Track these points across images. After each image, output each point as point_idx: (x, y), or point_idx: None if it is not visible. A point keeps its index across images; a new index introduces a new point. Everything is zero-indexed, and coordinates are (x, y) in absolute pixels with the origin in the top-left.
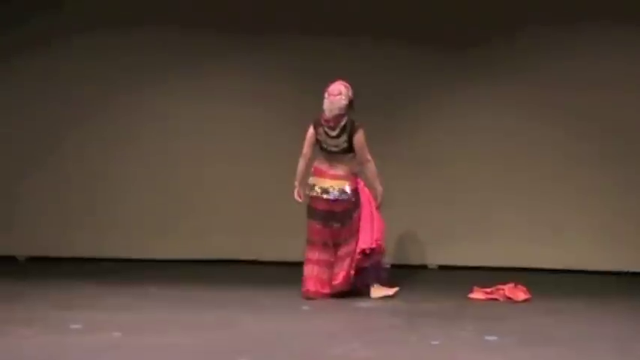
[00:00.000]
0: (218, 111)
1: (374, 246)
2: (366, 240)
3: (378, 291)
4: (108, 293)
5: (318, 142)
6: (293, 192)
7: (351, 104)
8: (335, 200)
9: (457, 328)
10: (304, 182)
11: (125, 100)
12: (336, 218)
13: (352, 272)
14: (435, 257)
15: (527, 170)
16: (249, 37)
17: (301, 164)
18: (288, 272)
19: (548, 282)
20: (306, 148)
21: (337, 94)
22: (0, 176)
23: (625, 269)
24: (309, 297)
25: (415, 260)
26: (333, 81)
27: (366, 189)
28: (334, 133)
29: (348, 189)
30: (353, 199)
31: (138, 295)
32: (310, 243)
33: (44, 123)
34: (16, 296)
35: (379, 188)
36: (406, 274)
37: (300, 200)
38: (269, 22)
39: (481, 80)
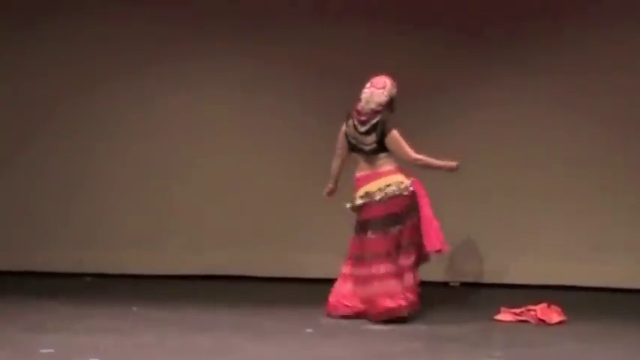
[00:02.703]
0: (214, 112)
1: (440, 246)
2: (433, 240)
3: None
4: (85, 313)
5: (347, 139)
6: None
7: (391, 103)
8: (390, 199)
9: (483, 354)
10: (336, 181)
11: (105, 95)
12: (396, 221)
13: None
14: (458, 273)
15: (563, 176)
16: (249, 23)
17: (334, 164)
18: (290, 290)
19: (585, 302)
20: (338, 147)
21: (381, 87)
22: None
23: None
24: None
25: (435, 276)
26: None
27: (421, 186)
28: (363, 129)
29: (405, 181)
30: (409, 197)
31: (119, 315)
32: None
33: (10, 119)
34: None
35: (448, 165)
36: (425, 293)
37: (328, 195)
38: (273, 7)
39: (513, 73)
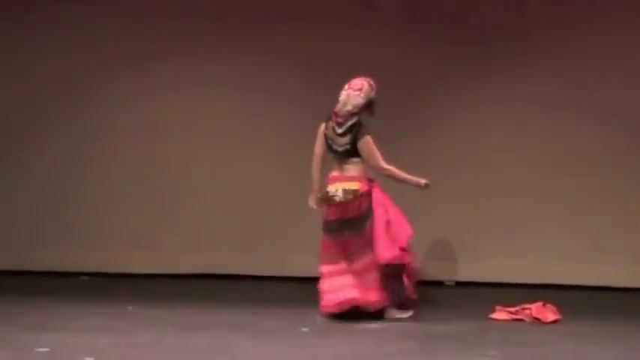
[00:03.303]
0: (211, 109)
1: (398, 255)
2: (383, 251)
3: (391, 312)
4: (82, 312)
5: (325, 140)
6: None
7: (369, 106)
8: (341, 204)
9: (477, 354)
10: (319, 185)
11: (101, 93)
12: (347, 226)
13: (382, 288)
14: (453, 272)
15: (560, 176)
16: (249, 21)
17: (314, 164)
18: (286, 289)
19: (580, 301)
20: (317, 147)
21: (357, 89)
22: None
23: None
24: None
25: (430, 276)
26: (355, 76)
27: (382, 194)
28: (340, 131)
29: (354, 190)
30: (365, 204)
31: (116, 314)
32: (322, 258)
33: (6, 118)
34: None
35: (417, 181)
36: (420, 292)
37: (314, 207)
38: (272, 5)
39: (512, 69)
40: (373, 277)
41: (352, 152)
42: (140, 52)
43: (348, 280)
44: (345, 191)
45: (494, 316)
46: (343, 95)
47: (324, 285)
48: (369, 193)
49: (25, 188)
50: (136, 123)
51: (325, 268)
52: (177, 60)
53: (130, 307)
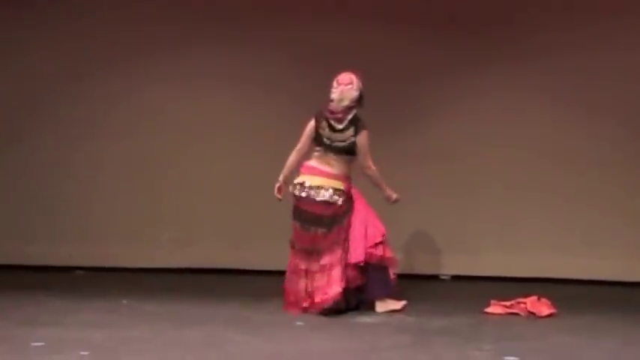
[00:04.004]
0: (204, 102)
1: (363, 258)
2: (358, 252)
3: (384, 305)
4: (77, 307)
5: (317, 137)
6: (276, 186)
7: (360, 98)
8: (326, 202)
9: (472, 348)
10: (290, 179)
11: (94, 88)
12: (322, 223)
13: (342, 287)
14: (448, 266)
15: (554, 170)
16: (239, 13)
17: (293, 158)
18: (281, 283)
19: (575, 295)
20: (303, 142)
21: (348, 84)
22: None
23: None
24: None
25: (425, 270)
26: (340, 71)
27: (359, 195)
28: (340, 127)
29: (341, 191)
30: (345, 204)
31: (110, 309)
32: (293, 249)
33: None
34: None
35: (389, 193)
36: (415, 286)
37: (279, 197)
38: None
39: (503, 64)
40: (336, 272)
41: (351, 147)
42: (132, 47)
43: (315, 281)
44: (336, 192)
45: (489, 310)
46: (336, 92)
47: (287, 282)
48: (349, 194)
49: (19, 183)
50: (129, 118)
51: (292, 263)
52: (169, 55)
53: (124, 302)
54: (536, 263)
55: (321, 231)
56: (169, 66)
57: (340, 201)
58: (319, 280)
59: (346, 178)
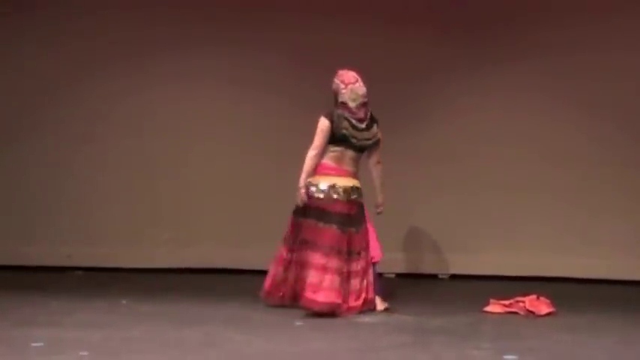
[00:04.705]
0: (203, 103)
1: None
2: (377, 250)
3: (380, 304)
4: (75, 307)
5: (340, 137)
6: (298, 192)
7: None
8: (353, 201)
9: (472, 347)
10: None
11: (95, 88)
12: (352, 222)
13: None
14: (447, 266)
15: (554, 168)
16: (237, 14)
17: (312, 162)
18: None
19: (574, 293)
20: (321, 145)
21: (355, 82)
22: None
23: None
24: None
25: (424, 269)
26: (336, 72)
27: None
28: (364, 125)
29: (360, 189)
30: (363, 202)
31: (109, 309)
32: (324, 250)
33: None
34: None
35: (382, 200)
36: (414, 285)
37: (305, 202)
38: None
39: (503, 64)
40: (368, 280)
41: (377, 143)
42: (132, 48)
43: (337, 282)
44: (358, 190)
45: (488, 309)
46: (347, 93)
47: (327, 281)
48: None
49: (18, 183)
50: (129, 118)
51: (330, 262)
52: (169, 56)
53: (124, 302)
54: (535, 262)
55: (352, 230)
56: (169, 67)
57: (361, 198)
58: (355, 285)
59: (358, 175)
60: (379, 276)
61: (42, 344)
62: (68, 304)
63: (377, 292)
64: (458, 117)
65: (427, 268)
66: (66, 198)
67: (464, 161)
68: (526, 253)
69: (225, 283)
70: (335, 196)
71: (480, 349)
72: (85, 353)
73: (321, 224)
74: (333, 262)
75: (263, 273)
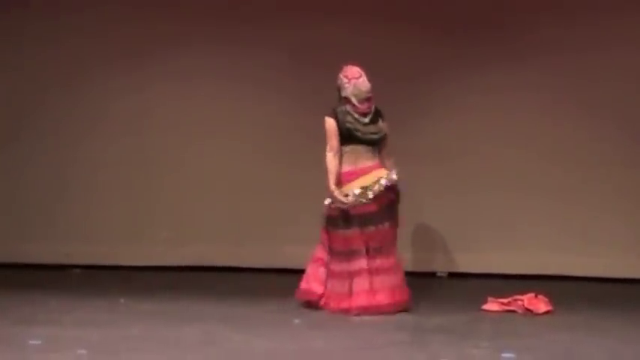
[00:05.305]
0: (203, 101)
1: None
2: None
3: None
4: (74, 305)
5: (347, 133)
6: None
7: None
8: (390, 187)
9: (470, 345)
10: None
11: (94, 86)
12: (385, 214)
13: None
14: (445, 264)
15: (552, 167)
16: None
17: (335, 162)
18: (278, 281)
19: (573, 292)
20: (335, 143)
21: (359, 77)
22: None
23: None
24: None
25: (422, 267)
26: (340, 67)
27: None
28: (367, 119)
29: (390, 173)
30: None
31: (107, 307)
32: (348, 254)
33: None
34: None
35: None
36: (412, 283)
37: (346, 202)
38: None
39: (503, 63)
40: (400, 276)
41: (384, 138)
42: (131, 45)
43: (367, 282)
44: (390, 176)
45: (487, 307)
46: (349, 88)
47: (359, 285)
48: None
49: (16, 181)
50: (127, 116)
51: (359, 264)
52: (168, 54)
53: (122, 300)
54: (533, 260)
55: (387, 223)
56: (169, 65)
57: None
58: (392, 280)
59: (382, 164)
60: None
61: (40, 342)
62: (66, 303)
63: None
64: (457, 116)
65: (425, 267)
66: (65, 196)
67: (463, 160)
68: (525, 251)
69: (224, 282)
70: (363, 200)
71: (478, 348)
72: (84, 352)
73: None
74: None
75: (262, 271)
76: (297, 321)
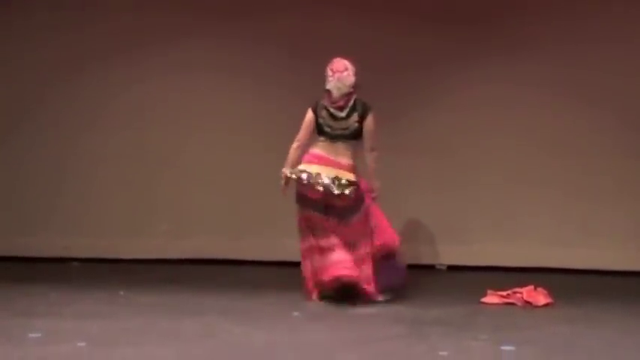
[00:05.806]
0: (201, 94)
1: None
2: (387, 236)
3: (378, 295)
4: (73, 298)
5: (318, 127)
6: (281, 183)
7: (357, 83)
8: (340, 195)
9: (469, 337)
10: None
11: (94, 79)
12: (335, 212)
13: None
14: (444, 256)
15: (552, 159)
16: (234, 5)
17: (296, 153)
18: (277, 274)
19: (572, 284)
20: (303, 136)
21: (344, 70)
22: None
23: None
24: (343, 282)
25: (422, 260)
26: (331, 60)
27: (365, 184)
28: (343, 114)
29: (354, 182)
30: (357, 195)
31: (107, 300)
32: (317, 234)
33: None
34: None
35: (377, 182)
36: (412, 276)
37: (285, 194)
38: None
39: (502, 55)
40: (369, 268)
41: (356, 133)
42: (130, 39)
43: (344, 255)
44: (340, 185)
45: (486, 300)
46: (332, 82)
47: (333, 256)
48: (358, 185)
49: (16, 175)
50: (126, 110)
51: (315, 242)
52: (167, 47)
53: (121, 293)
54: (532, 253)
55: (332, 219)
56: (167, 59)
57: (353, 193)
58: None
59: (354, 167)
60: (395, 269)
61: (39, 335)
62: (65, 295)
63: (388, 284)
64: (457, 108)
65: (424, 259)
66: (64, 189)
67: (463, 152)
68: (524, 244)
69: (224, 274)
70: (317, 187)
71: (477, 340)
72: (83, 344)
73: (310, 211)
74: (335, 240)
75: (262, 264)
76: (296, 313)
